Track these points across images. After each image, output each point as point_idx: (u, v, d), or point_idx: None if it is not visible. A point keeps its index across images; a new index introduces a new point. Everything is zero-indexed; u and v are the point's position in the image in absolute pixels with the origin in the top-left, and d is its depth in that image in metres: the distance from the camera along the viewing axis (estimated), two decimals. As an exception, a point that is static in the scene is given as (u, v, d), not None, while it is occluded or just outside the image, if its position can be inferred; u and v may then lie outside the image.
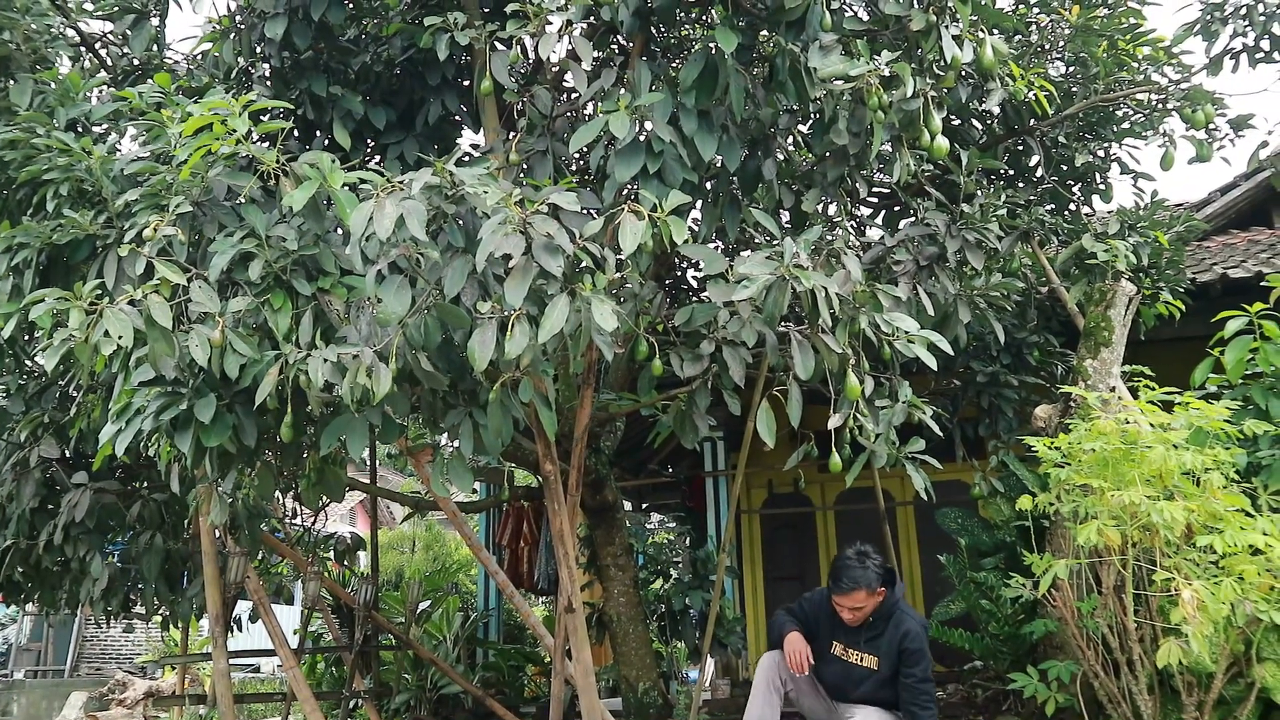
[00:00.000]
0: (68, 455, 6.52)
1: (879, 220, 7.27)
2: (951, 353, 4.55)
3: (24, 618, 17.52)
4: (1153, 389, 4.56)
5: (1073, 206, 7.07)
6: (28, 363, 6.71)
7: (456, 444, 4.04)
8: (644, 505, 13.13)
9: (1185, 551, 4.08)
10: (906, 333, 4.29)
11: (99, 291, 3.92)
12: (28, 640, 17.81)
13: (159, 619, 7.82)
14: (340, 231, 4.36)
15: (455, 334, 3.78)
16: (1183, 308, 6.57)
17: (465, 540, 6.76)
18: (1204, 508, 4.03)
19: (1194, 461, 4.07)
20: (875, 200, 7.25)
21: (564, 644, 6.02)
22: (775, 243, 3.99)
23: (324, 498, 5.19)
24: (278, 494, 7.56)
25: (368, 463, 8.62)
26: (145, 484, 6.82)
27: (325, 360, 3.60)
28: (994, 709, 6.13)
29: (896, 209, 6.99)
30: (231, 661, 6.36)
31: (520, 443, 5.88)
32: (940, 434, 4.71)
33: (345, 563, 8.66)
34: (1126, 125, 6.91)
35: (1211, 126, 6.35)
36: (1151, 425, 4.34)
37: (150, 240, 4.07)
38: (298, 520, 8.41)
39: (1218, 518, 4.02)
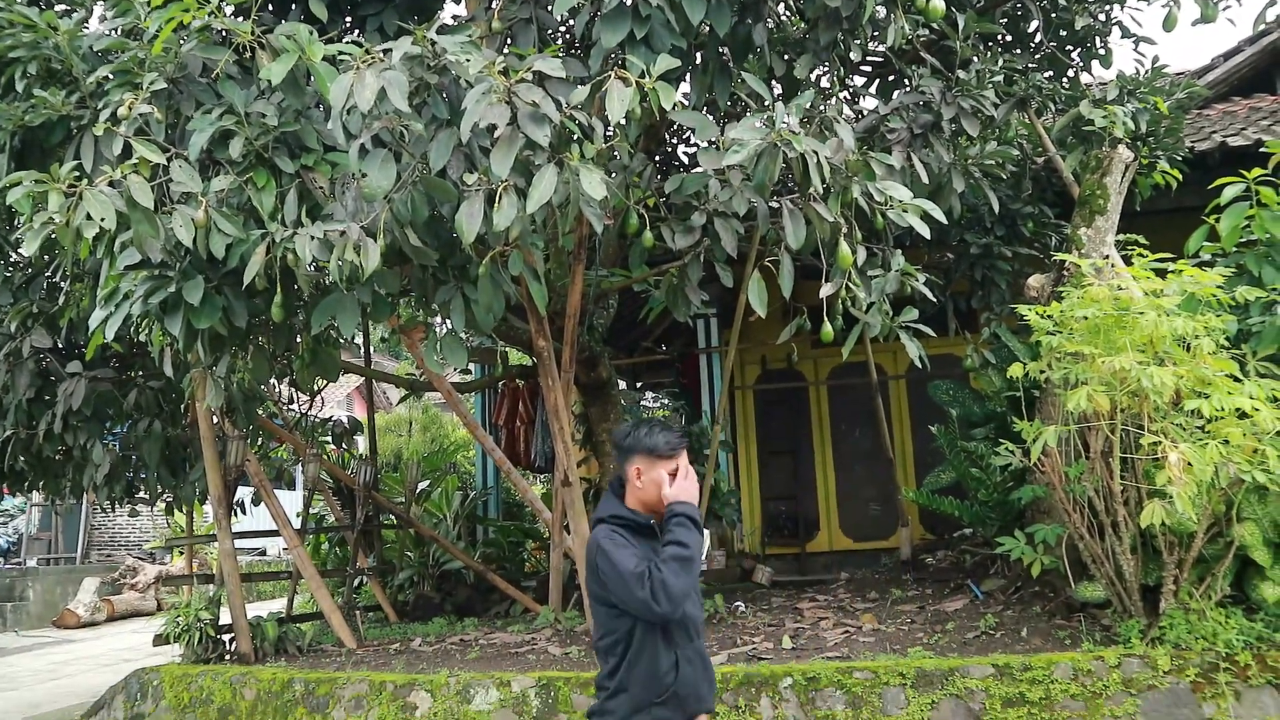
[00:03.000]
0: (59, 345, 6.53)
1: (873, 90, 7.10)
2: (945, 222, 4.50)
3: (31, 508, 17.81)
4: (1146, 257, 4.54)
5: (1071, 73, 6.90)
6: (12, 253, 6.65)
7: (449, 322, 4.03)
8: (638, 384, 13.22)
9: (1173, 416, 4.13)
10: (900, 202, 4.24)
11: (77, 174, 3.83)
12: (37, 529, 18.15)
13: (163, 504, 7.95)
14: (321, 107, 4.26)
15: (442, 208, 3.73)
16: (1180, 177, 6.47)
17: (462, 420, 6.83)
18: (1193, 373, 4.06)
19: (1185, 327, 4.08)
20: (869, 69, 7.07)
21: (562, 518, 6.15)
22: (768, 106, 3.90)
23: (319, 379, 5.22)
24: (274, 380, 7.59)
25: (362, 347, 8.63)
26: (140, 371, 6.84)
27: (312, 238, 3.56)
28: (981, 573, 6.31)
29: (891, 78, 6.83)
30: (237, 544, 6.50)
31: (513, 322, 5.88)
32: (935, 301, 4.69)
33: (343, 446, 8.76)
34: (1129, -15, 6.69)
35: (1218, -16, 6.14)
36: (1144, 292, 4.34)
37: (126, 119, 3.96)
38: (294, 406, 8.47)
39: (1206, 383, 4.05)
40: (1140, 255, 4.56)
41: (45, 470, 6.99)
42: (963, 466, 6.18)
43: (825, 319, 4.33)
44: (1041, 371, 4.62)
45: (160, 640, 6.41)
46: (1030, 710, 4.04)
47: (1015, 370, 4.62)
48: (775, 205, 4.19)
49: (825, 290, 4.19)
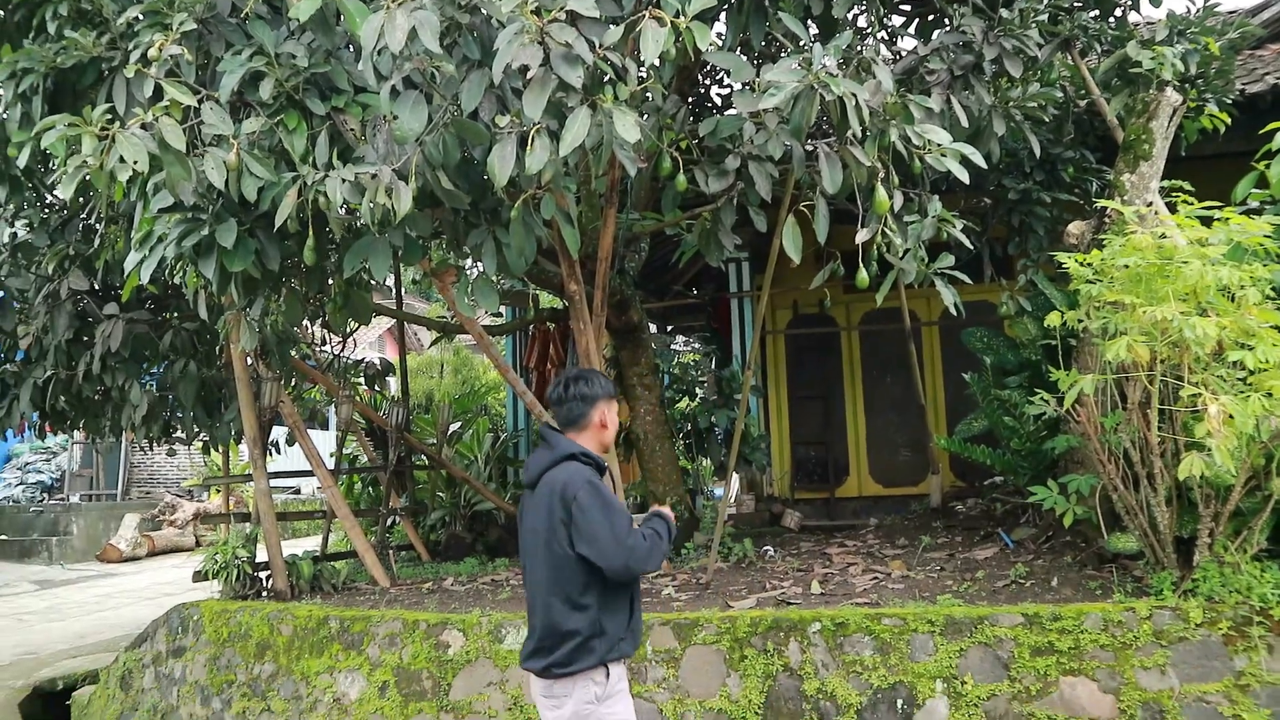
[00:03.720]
0: (96, 288, 6.59)
1: (912, 30, 6.92)
2: (985, 166, 4.41)
3: (73, 445, 18.20)
4: (1191, 204, 4.42)
5: (1119, 12, 6.69)
6: (47, 195, 6.69)
7: (481, 265, 4.01)
8: (669, 327, 13.18)
9: (1214, 367, 4.06)
10: (939, 146, 4.15)
11: (109, 116, 3.83)
12: (79, 467, 18.56)
13: (200, 444, 8.09)
14: (351, 47, 4.22)
15: (474, 150, 3.70)
16: (1228, 121, 6.27)
17: (493, 362, 6.85)
18: (1237, 324, 3.97)
19: (1230, 277, 3.98)
20: (908, 8, 6.88)
21: (592, 462, 6.18)
22: (804, 48, 3.81)
23: (351, 321, 5.24)
24: (306, 321, 7.64)
25: (394, 289, 8.66)
26: (175, 313, 6.92)
27: (343, 180, 3.55)
28: (1012, 522, 6.28)
29: (930, 17, 6.65)
30: (272, 483, 6.60)
31: (544, 265, 5.85)
32: (971, 248, 4.61)
33: (376, 387, 8.83)
34: (1182, -83, 6.43)
35: (1275, -85, 5.90)
36: (1188, 240, 4.23)
37: (156, 61, 3.94)
38: (327, 347, 8.54)
39: (1250, 334, 3.96)
40: (1185, 202, 4.44)
41: (85, 410, 7.11)
42: (996, 415, 6.13)
43: (860, 265, 4.27)
44: (1079, 320, 4.55)
45: (199, 577, 6.55)
46: (1059, 660, 4.04)
47: (1053, 319, 4.54)
48: (811, 149, 4.12)
49: (861, 236, 4.13)
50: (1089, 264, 4.42)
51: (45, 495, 18.29)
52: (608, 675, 3.08)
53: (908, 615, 4.36)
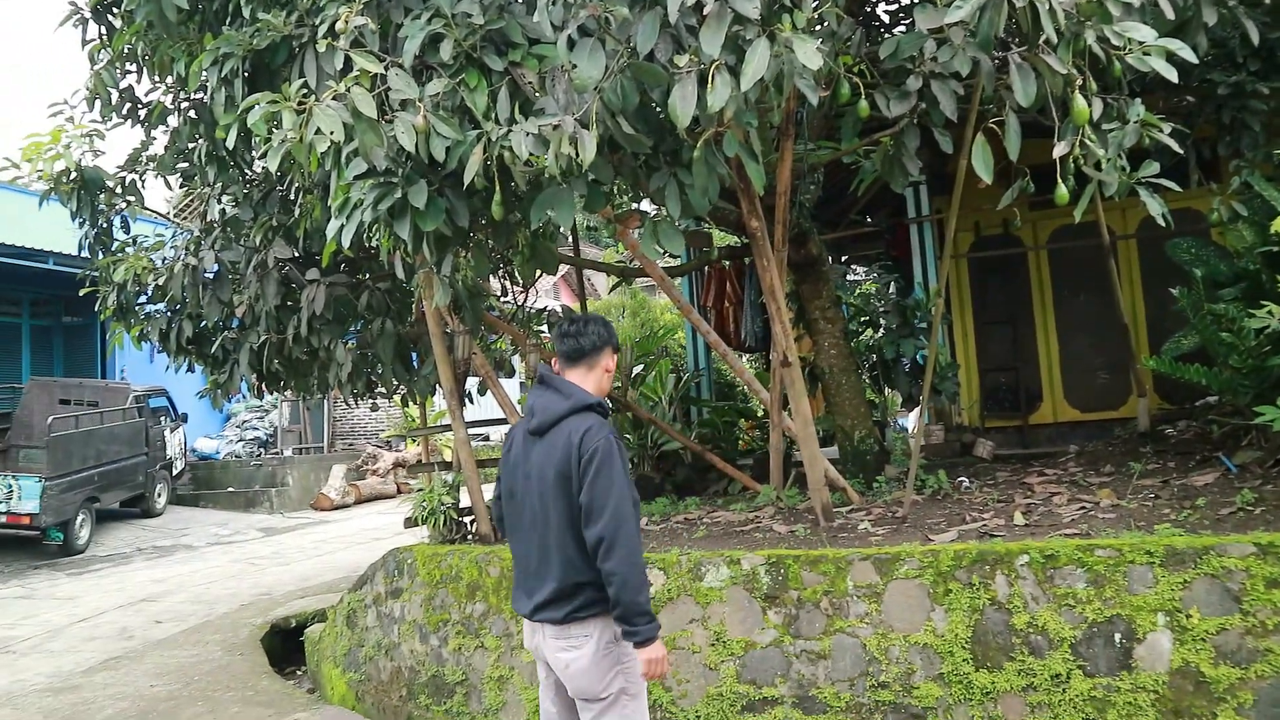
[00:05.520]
0: (298, 255, 7.00)
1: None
2: (1195, 60, 4.05)
3: (282, 404, 19.61)
4: None
5: None
6: (247, 170, 7.13)
7: (663, 209, 4.02)
8: (844, 258, 12.88)
9: None
10: (1140, 44, 3.84)
11: (305, 91, 4.02)
12: (289, 423, 20.01)
13: (398, 398, 8.53)
14: (523, 1, 4.26)
15: (653, 93, 3.68)
16: None
17: (675, 302, 6.89)
18: None
19: None
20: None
21: (780, 397, 6.16)
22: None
23: (538, 271, 5.37)
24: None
25: (571, 237, 8.81)
26: (369, 274, 7.27)
27: (527, 133, 3.60)
28: (1232, 445, 5.87)
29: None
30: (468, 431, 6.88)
31: (720, 204, 5.82)
32: (1179, 151, 4.26)
33: (558, 335, 9.04)
34: None
35: None
36: None
37: (343, 33, 4.11)
38: (508, 298, 8.79)
39: None
40: None
41: (296, 370, 7.61)
42: (1209, 331, 5.70)
43: (1058, 180, 4.03)
44: (1311, 222, 4.16)
45: (410, 523, 6.95)
46: (1299, 589, 3.77)
47: (1279, 224, 4.17)
48: (998, 60, 3.89)
49: (1059, 150, 3.88)
50: (1321, 159, 4.02)
51: (261, 450, 19.83)
52: None
53: (1123, 546, 4.16)
